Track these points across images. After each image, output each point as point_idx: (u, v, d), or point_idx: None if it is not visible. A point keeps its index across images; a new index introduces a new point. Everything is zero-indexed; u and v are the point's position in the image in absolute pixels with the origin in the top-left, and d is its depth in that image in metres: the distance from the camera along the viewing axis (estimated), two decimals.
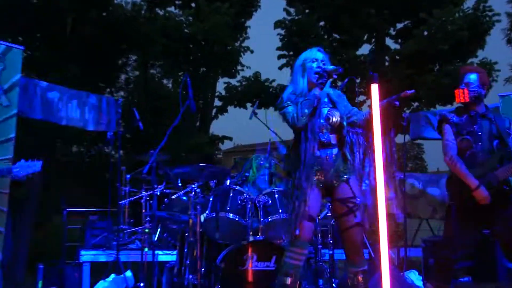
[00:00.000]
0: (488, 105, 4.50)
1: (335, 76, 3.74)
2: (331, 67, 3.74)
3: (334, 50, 18.03)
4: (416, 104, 16.89)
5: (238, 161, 6.67)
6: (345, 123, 3.70)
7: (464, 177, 4.13)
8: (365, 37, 18.24)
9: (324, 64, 3.81)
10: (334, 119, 3.72)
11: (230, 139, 20.82)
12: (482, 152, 4.22)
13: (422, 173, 10.39)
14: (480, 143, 4.23)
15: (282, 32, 17.81)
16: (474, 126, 4.29)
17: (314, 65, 3.79)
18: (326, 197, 3.81)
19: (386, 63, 18.13)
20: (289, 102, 3.65)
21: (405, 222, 6.03)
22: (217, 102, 20.31)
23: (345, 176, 3.72)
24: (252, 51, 19.37)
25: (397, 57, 16.93)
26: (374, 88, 2.91)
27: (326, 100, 3.82)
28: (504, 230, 4.10)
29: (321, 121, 3.69)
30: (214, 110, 20.38)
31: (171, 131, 5.05)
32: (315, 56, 3.85)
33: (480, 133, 4.26)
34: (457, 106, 4.53)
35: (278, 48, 18.16)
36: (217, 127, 36.85)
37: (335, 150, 3.71)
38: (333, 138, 3.72)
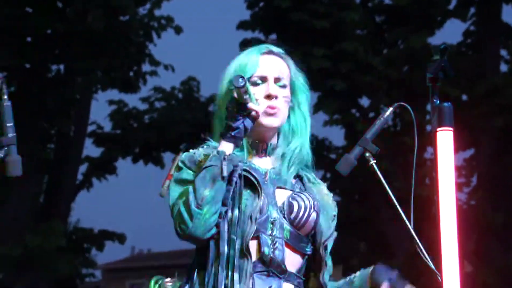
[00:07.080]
0: None
1: (254, 115, 3.26)
2: (249, 94, 3.33)
3: (377, 36, 19.35)
4: None
5: None
6: (329, 236, 3.40)
7: None
8: (452, 4, 19.38)
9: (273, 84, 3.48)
10: (302, 213, 3.36)
11: (122, 240, 20.59)
12: None
13: None
14: None
15: None
16: None
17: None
18: None
19: (503, 69, 19.83)
20: (192, 169, 3.45)
21: None
22: (92, 150, 20.59)
23: None
24: (179, 30, 19.93)
25: None
26: (445, 137, 2.97)
27: (285, 177, 3.53)
28: None
29: (269, 211, 3.33)
30: (82, 168, 20.49)
31: None
32: (250, 65, 3.51)
33: None
34: None
35: (240, 26, 19.06)
36: (88, 210, 34.29)
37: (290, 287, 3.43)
38: (292, 260, 3.37)
